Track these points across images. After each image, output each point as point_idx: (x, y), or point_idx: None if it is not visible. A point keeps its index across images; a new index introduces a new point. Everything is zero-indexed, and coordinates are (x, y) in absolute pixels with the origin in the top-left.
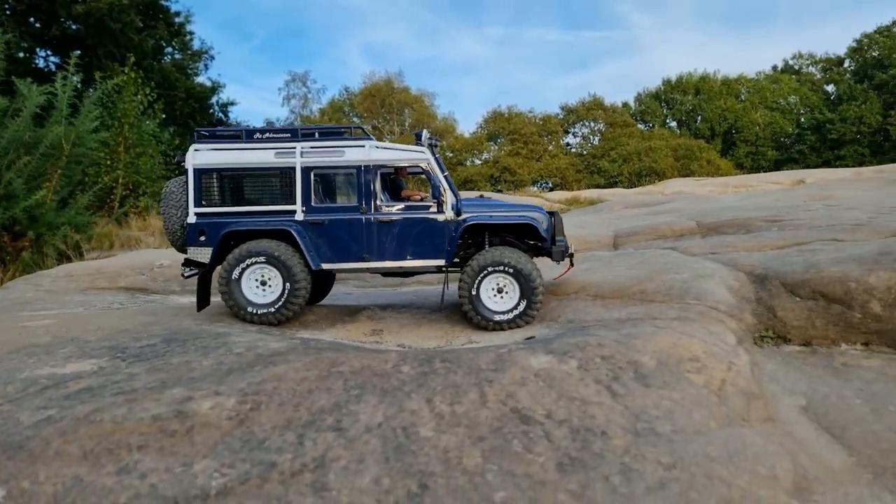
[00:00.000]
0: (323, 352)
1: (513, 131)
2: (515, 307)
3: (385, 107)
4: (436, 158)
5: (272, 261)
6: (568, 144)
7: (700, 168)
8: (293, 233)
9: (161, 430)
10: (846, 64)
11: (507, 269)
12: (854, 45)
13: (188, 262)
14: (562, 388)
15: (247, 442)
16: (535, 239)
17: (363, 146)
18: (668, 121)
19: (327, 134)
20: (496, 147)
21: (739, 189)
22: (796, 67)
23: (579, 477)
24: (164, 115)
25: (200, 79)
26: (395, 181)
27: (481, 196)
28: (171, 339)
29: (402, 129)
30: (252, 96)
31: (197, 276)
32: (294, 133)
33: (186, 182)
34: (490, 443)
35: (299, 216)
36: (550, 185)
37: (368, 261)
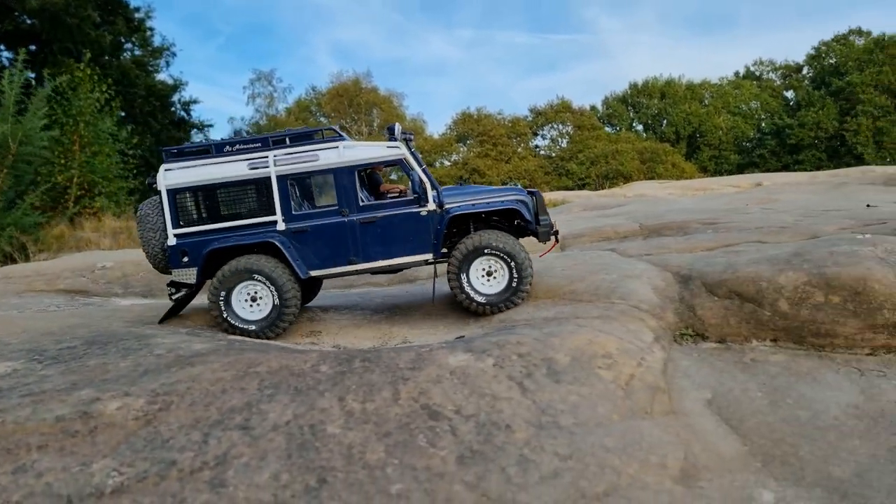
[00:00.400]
0: (244, 353)
1: (482, 133)
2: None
3: (353, 107)
4: (412, 152)
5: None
6: (537, 147)
7: (665, 171)
8: (277, 244)
9: (63, 431)
10: (805, 71)
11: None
12: (812, 52)
13: (173, 284)
14: (475, 385)
15: (150, 441)
16: (520, 221)
17: (337, 147)
18: (634, 124)
19: (298, 138)
20: (465, 148)
21: (698, 192)
22: (757, 73)
23: (478, 469)
24: (122, 113)
25: (161, 76)
26: (371, 176)
27: (460, 183)
28: (94, 341)
29: (370, 130)
30: (216, 95)
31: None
32: (265, 142)
33: (160, 203)
34: (395, 438)
35: (281, 226)
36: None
37: (356, 263)
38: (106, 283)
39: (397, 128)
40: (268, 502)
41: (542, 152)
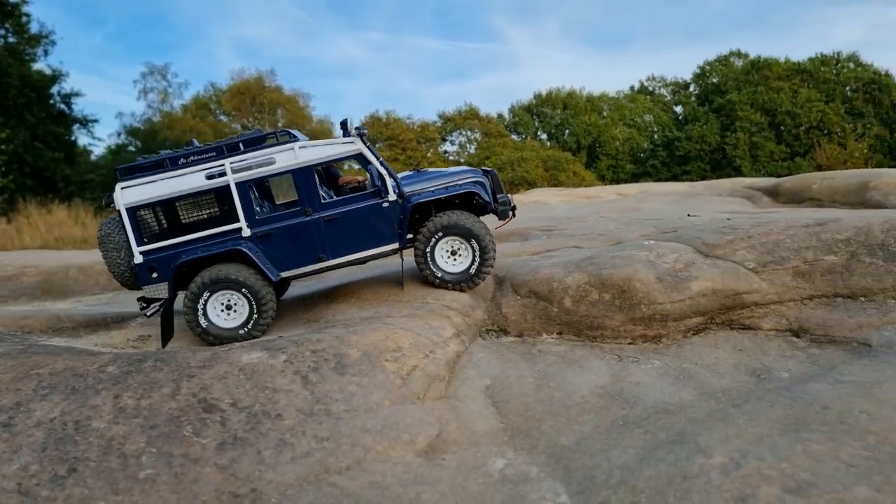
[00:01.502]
0: (34, 356)
1: (391, 136)
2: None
3: (256, 106)
4: (367, 146)
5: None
6: (446, 152)
7: (567, 179)
8: (246, 251)
9: None
10: (691, 88)
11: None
12: (698, 71)
13: (144, 299)
14: (259, 380)
15: None
16: (479, 201)
17: (292, 148)
18: (539, 133)
19: (252, 143)
20: None
21: (586, 199)
22: (650, 89)
23: (235, 453)
24: None
25: (39, 65)
26: (329, 170)
27: (416, 170)
28: None
29: (274, 130)
30: (103, 88)
31: (160, 311)
32: (219, 150)
33: (120, 222)
34: (161, 430)
35: (246, 232)
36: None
37: (324, 260)
38: None
39: (349, 121)
40: (11, 490)
41: (450, 158)
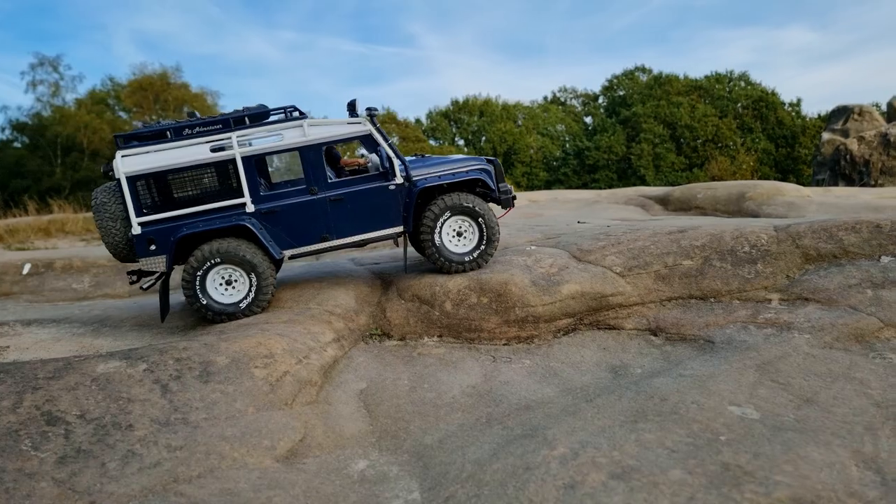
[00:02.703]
0: None
1: None
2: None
3: (159, 102)
4: (377, 127)
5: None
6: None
7: None
8: (250, 227)
9: None
10: (600, 100)
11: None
12: (606, 84)
13: (136, 272)
14: (113, 390)
15: None
16: (483, 188)
17: (301, 125)
18: (456, 139)
19: (257, 117)
20: None
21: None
22: (562, 99)
23: (76, 466)
24: None
25: None
26: (330, 151)
27: (421, 155)
28: None
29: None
30: None
31: (158, 284)
32: (225, 123)
33: (118, 190)
34: None
35: (250, 208)
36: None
37: (328, 240)
38: None
39: (358, 103)
40: None
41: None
